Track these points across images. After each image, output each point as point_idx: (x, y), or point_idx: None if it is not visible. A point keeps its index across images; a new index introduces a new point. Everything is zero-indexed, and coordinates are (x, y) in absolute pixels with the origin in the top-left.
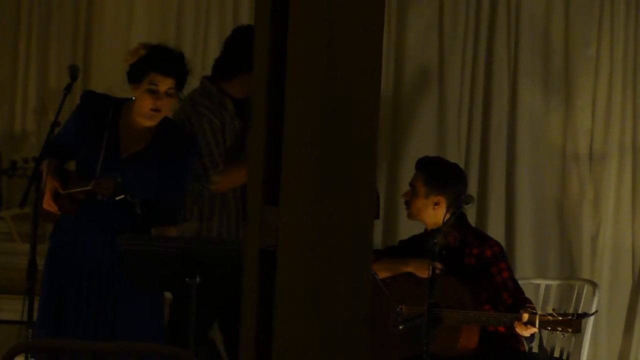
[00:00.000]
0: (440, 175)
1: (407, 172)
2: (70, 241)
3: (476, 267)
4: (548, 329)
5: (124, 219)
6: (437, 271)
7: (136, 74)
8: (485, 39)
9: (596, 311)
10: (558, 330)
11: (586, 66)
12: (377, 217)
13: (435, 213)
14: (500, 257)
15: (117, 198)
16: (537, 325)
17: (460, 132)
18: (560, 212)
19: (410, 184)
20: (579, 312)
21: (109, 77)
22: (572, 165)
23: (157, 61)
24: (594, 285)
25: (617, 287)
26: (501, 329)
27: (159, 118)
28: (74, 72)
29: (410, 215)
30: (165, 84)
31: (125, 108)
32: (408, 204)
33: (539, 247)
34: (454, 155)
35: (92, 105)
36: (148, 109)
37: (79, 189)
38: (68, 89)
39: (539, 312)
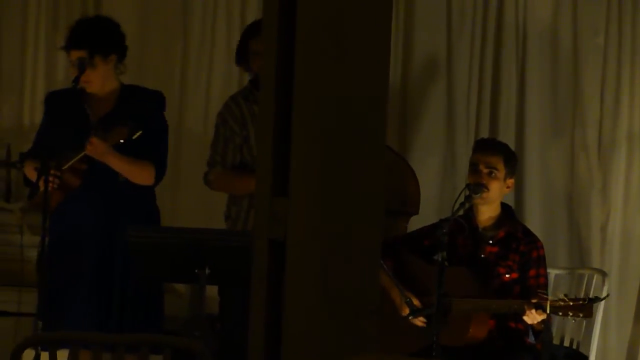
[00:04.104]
0: (514, 157)
1: (415, 161)
2: (69, 229)
3: (518, 263)
4: (559, 314)
5: (110, 185)
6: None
7: None
8: (493, 28)
9: (608, 295)
10: (569, 315)
11: (594, 55)
12: (417, 212)
13: (501, 199)
14: (543, 262)
15: (134, 137)
16: (547, 311)
17: (469, 122)
18: (569, 201)
19: (488, 166)
20: (590, 296)
21: None
22: (581, 154)
23: (65, 42)
24: (603, 274)
25: (626, 276)
26: (520, 325)
27: (94, 87)
28: (82, 64)
29: (486, 200)
30: (73, 57)
31: None
32: (484, 187)
33: (548, 236)
34: (463, 145)
35: (55, 99)
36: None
37: (77, 157)
38: (76, 81)
39: (550, 297)
